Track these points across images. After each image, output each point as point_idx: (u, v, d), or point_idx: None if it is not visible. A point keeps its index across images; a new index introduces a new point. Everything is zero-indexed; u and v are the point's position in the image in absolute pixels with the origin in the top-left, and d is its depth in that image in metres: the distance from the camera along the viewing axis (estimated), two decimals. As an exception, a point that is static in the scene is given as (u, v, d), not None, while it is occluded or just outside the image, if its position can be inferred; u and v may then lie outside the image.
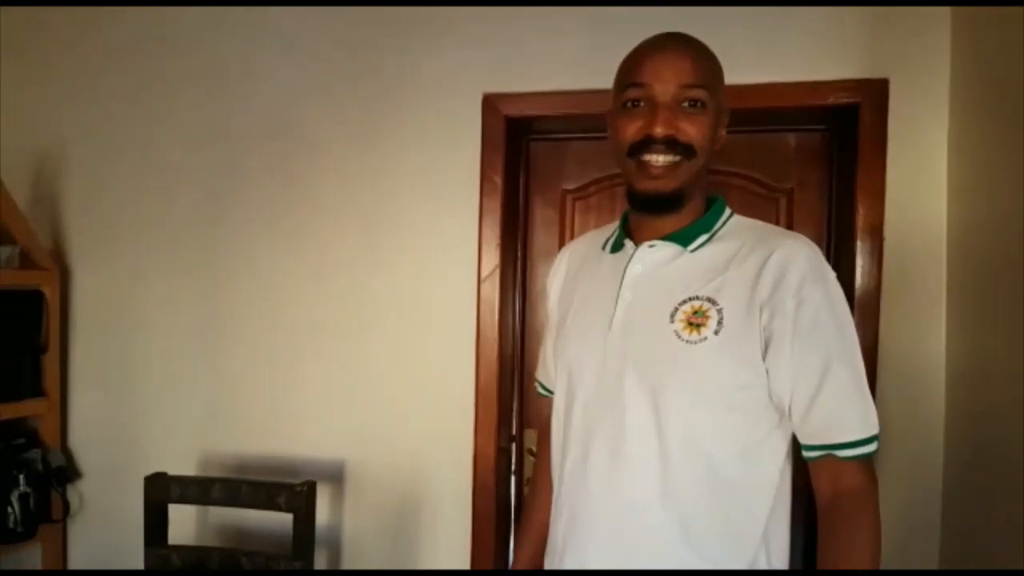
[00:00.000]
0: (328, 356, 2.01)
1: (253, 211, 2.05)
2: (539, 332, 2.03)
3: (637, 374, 1.06)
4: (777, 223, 1.87)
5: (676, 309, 1.05)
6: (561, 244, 2.01)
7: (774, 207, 1.89)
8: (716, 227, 1.10)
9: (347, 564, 2.00)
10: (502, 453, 1.98)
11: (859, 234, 1.71)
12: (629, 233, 1.16)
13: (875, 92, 1.70)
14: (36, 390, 2.06)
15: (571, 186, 2.02)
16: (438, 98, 1.93)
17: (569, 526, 1.12)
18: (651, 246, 1.10)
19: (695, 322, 1.03)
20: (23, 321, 2.03)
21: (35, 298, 2.04)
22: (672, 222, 1.10)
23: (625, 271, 1.12)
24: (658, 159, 1.05)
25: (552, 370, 1.29)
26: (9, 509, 1.96)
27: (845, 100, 1.71)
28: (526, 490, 2.04)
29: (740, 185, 1.90)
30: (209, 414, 2.08)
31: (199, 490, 1.80)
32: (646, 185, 1.07)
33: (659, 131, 1.04)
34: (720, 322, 1.02)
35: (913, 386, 1.70)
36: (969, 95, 1.61)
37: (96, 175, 2.16)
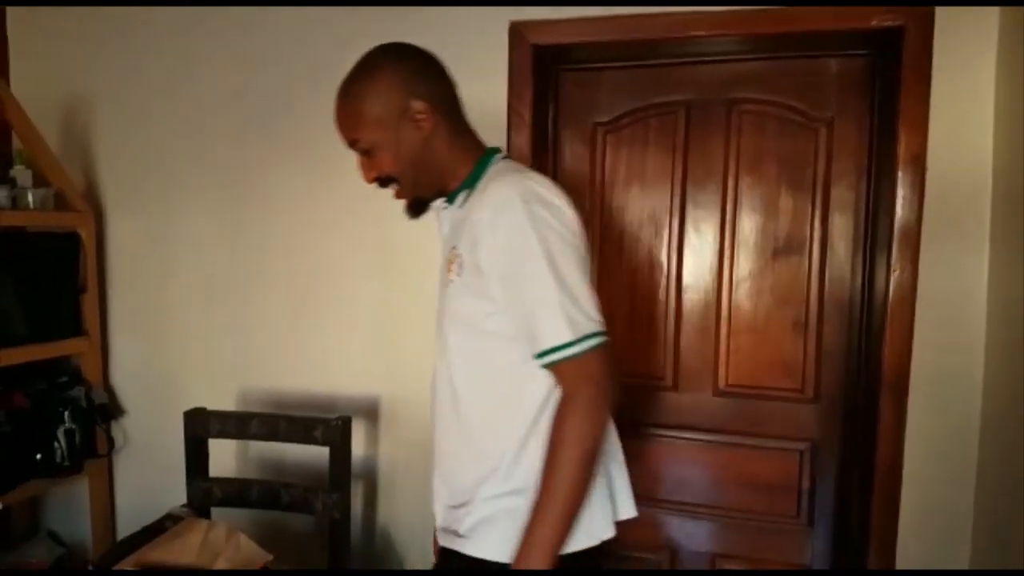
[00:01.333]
0: (361, 294, 2.05)
1: (285, 153, 2.07)
2: (569, 270, 2.04)
3: (439, 311, 1.31)
4: (815, 154, 1.85)
5: (448, 256, 1.27)
6: (592, 181, 2.00)
7: (812, 137, 1.85)
8: (478, 182, 1.26)
9: (382, 496, 2.08)
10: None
11: (900, 166, 1.67)
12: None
13: (921, 17, 1.64)
14: (76, 330, 2.14)
15: (603, 119, 1.99)
16: (462, 28, 1.90)
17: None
18: (444, 208, 1.33)
19: (451, 267, 1.24)
20: (61, 263, 2.10)
21: (71, 240, 2.10)
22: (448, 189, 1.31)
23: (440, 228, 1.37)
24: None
25: None
26: (56, 444, 2.05)
27: (889, 23, 1.65)
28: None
29: (777, 114, 1.86)
30: (246, 352, 2.15)
31: (237, 425, 1.87)
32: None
33: (363, 177, 1.30)
34: (460, 265, 1.21)
35: (953, 323, 1.68)
36: (1020, 25, 1.54)
37: (129, 119, 2.20)
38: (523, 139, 1.88)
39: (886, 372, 1.70)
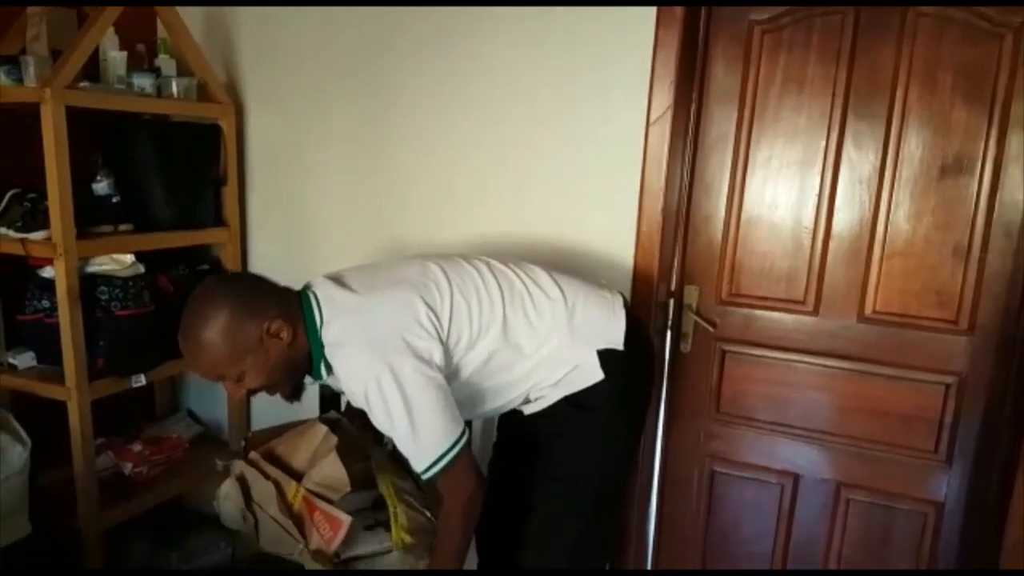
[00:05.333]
0: (488, 198, 2.12)
1: (420, 52, 2.13)
2: (710, 184, 2.03)
3: None
4: (998, 64, 1.75)
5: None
6: (744, 86, 1.95)
7: (996, 45, 1.74)
8: (324, 349, 1.48)
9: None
10: (660, 308, 2.04)
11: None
12: None
13: None
14: (217, 220, 2.32)
15: (761, 16, 1.93)
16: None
17: None
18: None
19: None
20: (202, 153, 2.25)
21: (213, 131, 2.24)
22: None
23: None
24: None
25: None
26: (197, 328, 2.23)
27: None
28: (682, 345, 2.12)
29: (959, 18, 1.76)
30: (383, 249, 2.26)
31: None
32: None
33: (235, 398, 1.58)
34: None
35: None
36: None
37: (270, 16, 2.29)
38: (672, 35, 1.86)
39: (1056, 305, 1.64)
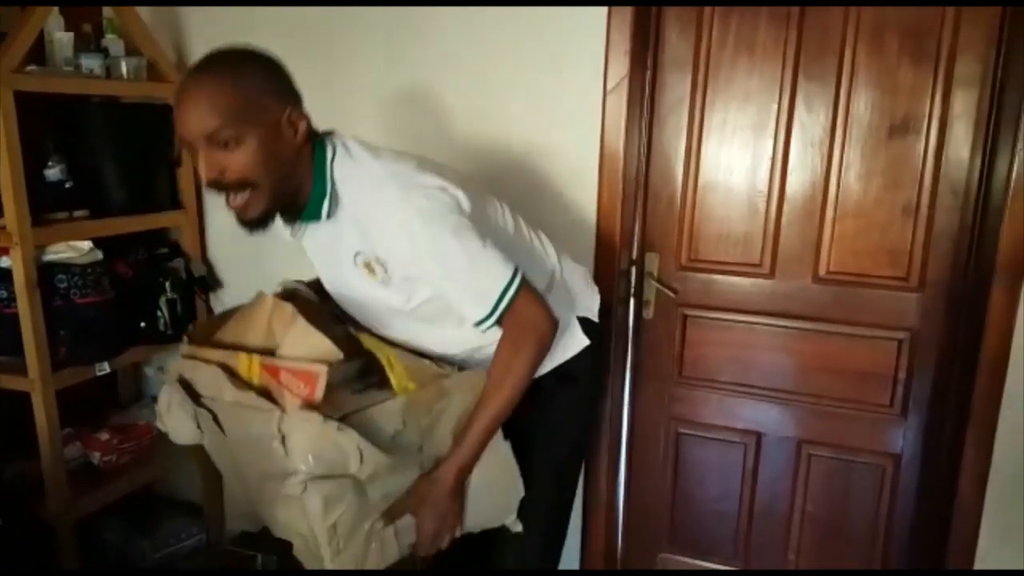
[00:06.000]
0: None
1: (373, 21, 2.11)
2: (667, 151, 2.07)
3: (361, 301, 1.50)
4: (941, 22, 1.79)
5: (360, 261, 1.36)
6: (697, 50, 1.99)
7: (940, 8, 1.79)
8: (328, 188, 1.32)
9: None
10: (622, 276, 2.09)
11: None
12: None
13: None
14: (174, 203, 2.30)
15: (713, -17, 1.97)
16: None
17: None
18: (299, 227, 1.41)
19: (371, 271, 1.35)
20: (155, 134, 2.24)
21: (165, 111, 2.22)
22: (296, 200, 1.35)
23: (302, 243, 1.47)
24: (229, 198, 1.27)
25: None
26: (159, 313, 2.25)
27: None
28: (644, 312, 2.17)
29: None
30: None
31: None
32: (235, 215, 1.31)
33: (203, 177, 1.23)
34: (386, 272, 1.34)
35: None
36: None
37: None
38: (625, 9, 1.88)
39: (1001, 259, 1.73)
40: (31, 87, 1.87)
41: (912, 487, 2.04)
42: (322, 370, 1.23)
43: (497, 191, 2.06)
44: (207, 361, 1.35)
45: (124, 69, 2.16)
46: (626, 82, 1.92)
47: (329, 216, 1.34)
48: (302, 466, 1.21)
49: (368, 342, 1.42)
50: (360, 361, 1.41)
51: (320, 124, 1.40)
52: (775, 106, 1.96)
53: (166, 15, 2.33)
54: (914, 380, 1.99)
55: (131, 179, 2.16)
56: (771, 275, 2.05)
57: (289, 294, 1.52)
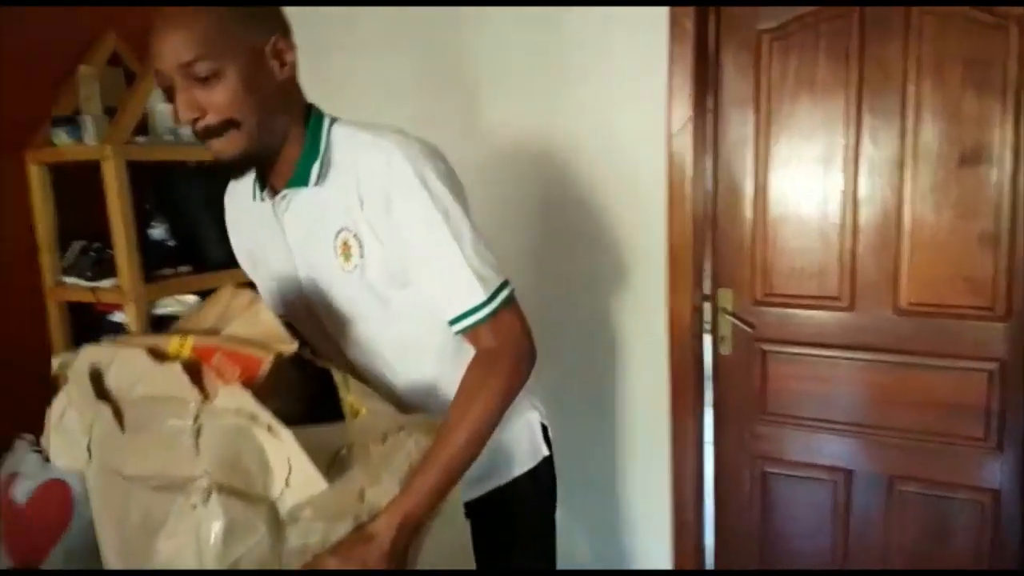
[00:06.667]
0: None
1: (424, 58, 2.24)
2: (735, 186, 2.12)
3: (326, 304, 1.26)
4: (1006, 54, 1.81)
5: (335, 242, 1.18)
6: (757, 93, 2.06)
7: (1004, 37, 1.80)
8: (322, 150, 1.17)
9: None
10: (696, 313, 2.12)
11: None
12: (263, 178, 1.24)
13: None
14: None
15: (768, 25, 2.03)
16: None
17: None
18: (283, 197, 1.20)
19: (346, 252, 1.17)
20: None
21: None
22: (282, 164, 1.19)
23: (281, 220, 1.23)
24: (209, 140, 1.11)
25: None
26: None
27: None
28: (722, 348, 2.19)
29: (961, 13, 1.82)
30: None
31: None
32: (212, 155, 1.13)
33: (182, 118, 1.09)
34: (361, 247, 1.16)
35: None
36: None
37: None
38: (686, 49, 1.97)
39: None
40: (139, 157, 2.08)
41: (1016, 523, 1.97)
42: (267, 357, 1.01)
43: (560, 240, 2.20)
44: (131, 346, 1.09)
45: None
46: (690, 124, 2.00)
47: (318, 182, 1.18)
48: (211, 468, 0.92)
49: (326, 360, 1.22)
50: (310, 379, 1.18)
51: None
52: (841, 140, 1.99)
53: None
54: (1008, 411, 1.94)
55: (227, 236, 2.31)
56: (850, 308, 2.05)
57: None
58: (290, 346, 1.03)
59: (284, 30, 1.15)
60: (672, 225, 2.07)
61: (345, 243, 1.17)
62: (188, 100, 1.07)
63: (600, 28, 2.05)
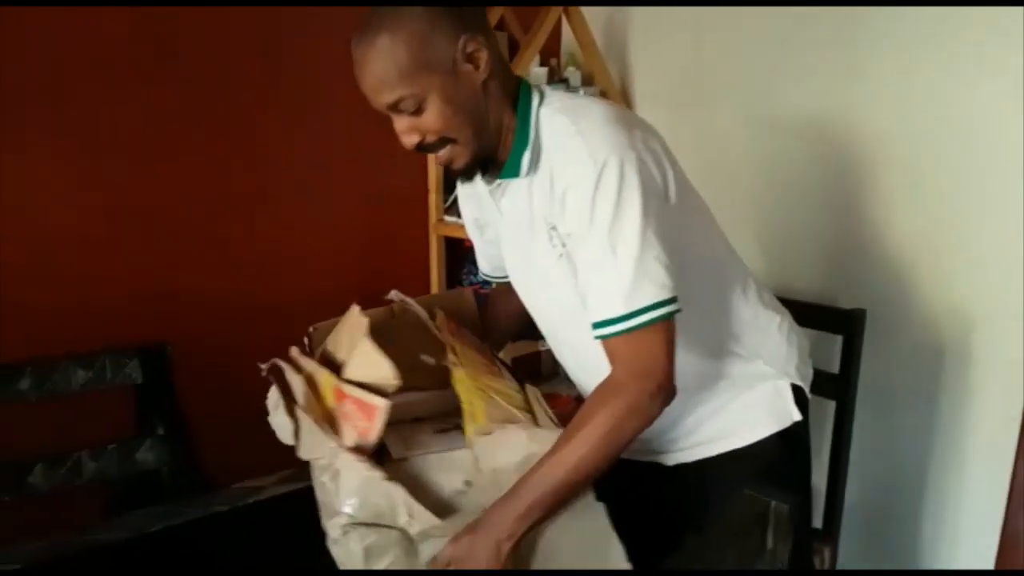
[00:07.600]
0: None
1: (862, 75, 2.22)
2: None
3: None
4: None
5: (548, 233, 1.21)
6: None
7: None
8: (531, 136, 1.17)
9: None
10: None
11: None
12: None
13: None
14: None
15: None
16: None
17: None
18: (498, 185, 1.25)
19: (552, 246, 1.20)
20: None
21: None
22: (503, 152, 1.21)
23: (499, 206, 1.30)
24: (434, 154, 1.19)
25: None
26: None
27: None
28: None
29: None
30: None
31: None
32: (441, 164, 1.21)
33: (405, 144, 1.16)
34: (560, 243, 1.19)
35: None
36: None
37: (660, 26, 2.53)
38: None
39: None
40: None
41: None
42: (383, 404, 1.12)
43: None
44: (298, 370, 1.27)
45: (582, 98, 2.54)
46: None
47: (529, 171, 1.18)
48: (346, 508, 1.12)
49: (460, 380, 1.26)
50: (454, 396, 1.27)
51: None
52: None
53: (615, 43, 2.63)
54: None
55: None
56: None
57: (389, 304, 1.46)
58: (393, 383, 1.14)
59: (468, 26, 1.12)
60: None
61: (553, 228, 1.19)
62: (405, 128, 1.15)
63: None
